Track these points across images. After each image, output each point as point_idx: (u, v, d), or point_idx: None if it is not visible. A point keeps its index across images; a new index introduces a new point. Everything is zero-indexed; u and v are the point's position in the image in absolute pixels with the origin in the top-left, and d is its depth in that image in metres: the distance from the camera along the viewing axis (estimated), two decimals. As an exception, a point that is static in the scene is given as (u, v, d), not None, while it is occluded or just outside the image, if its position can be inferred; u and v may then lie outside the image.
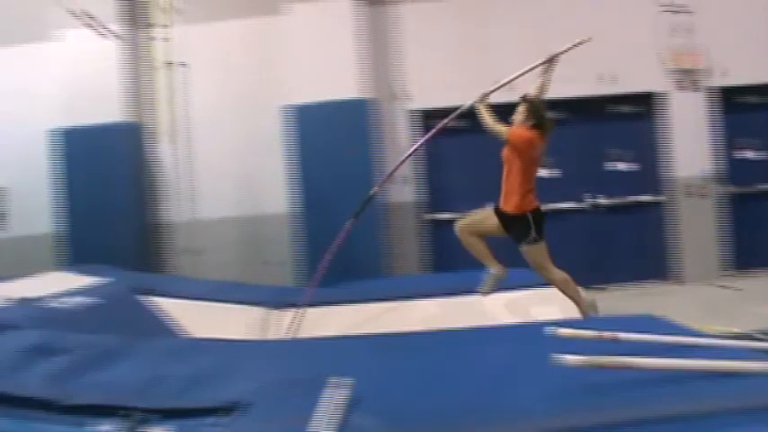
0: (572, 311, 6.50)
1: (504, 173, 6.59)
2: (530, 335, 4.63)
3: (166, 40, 9.46)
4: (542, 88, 6.72)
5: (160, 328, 6.55)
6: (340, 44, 10.03)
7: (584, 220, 10.78)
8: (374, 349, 4.72)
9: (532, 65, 6.82)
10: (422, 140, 7.05)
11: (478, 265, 6.92)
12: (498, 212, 6.61)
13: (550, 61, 6.72)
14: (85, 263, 9.02)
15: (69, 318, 5.65)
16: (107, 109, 10.21)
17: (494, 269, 6.76)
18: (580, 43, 6.66)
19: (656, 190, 10.84)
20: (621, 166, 10.93)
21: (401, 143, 10.35)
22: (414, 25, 10.60)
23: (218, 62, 10.66)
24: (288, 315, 7.33)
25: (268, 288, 8.76)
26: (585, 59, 10.34)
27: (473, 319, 6.26)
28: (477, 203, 10.53)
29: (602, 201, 10.79)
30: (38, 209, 10.64)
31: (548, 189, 10.62)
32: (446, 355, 4.41)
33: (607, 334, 4.02)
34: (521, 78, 6.85)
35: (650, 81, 10.65)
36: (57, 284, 7.06)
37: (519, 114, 6.57)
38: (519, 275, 7.57)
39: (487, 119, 6.64)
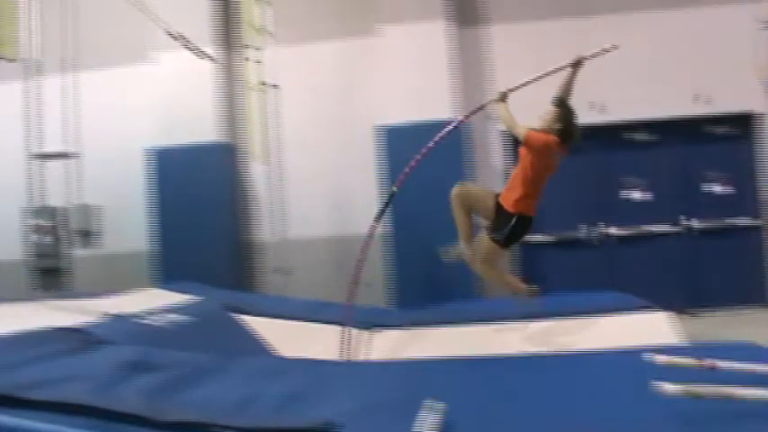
0: (671, 338, 6.29)
1: (515, 168, 6.51)
2: (626, 361, 4.49)
3: (259, 62, 9.55)
4: (566, 91, 6.49)
5: (254, 346, 6.56)
6: (432, 65, 10.01)
7: (678, 244, 10.50)
8: (467, 373, 4.63)
9: (558, 66, 6.60)
10: (438, 136, 6.83)
11: (570, 287, 6.80)
12: (488, 226, 6.52)
13: (577, 65, 6.48)
14: (178, 280, 9.14)
15: (164, 334, 5.70)
16: (202, 129, 10.40)
17: (463, 245, 6.68)
18: (609, 49, 6.44)
19: (753, 213, 10.49)
20: (717, 188, 10.62)
21: (493, 163, 10.27)
22: (504, 46, 10.50)
23: (310, 83, 10.74)
24: (378, 336, 7.29)
25: (359, 308, 8.73)
26: (681, 79, 10.19)
27: (567, 343, 6.13)
28: (565, 223, 10.49)
29: (697, 224, 10.49)
30: (131, 226, 10.87)
31: (641, 212, 10.43)
32: (539, 381, 4.29)
33: (706, 362, 3.87)
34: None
35: (748, 101, 10.32)
36: (151, 301, 7.15)
37: (548, 115, 6.38)
38: (615, 299, 7.41)
39: (507, 117, 6.47)
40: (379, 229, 9.95)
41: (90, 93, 11.34)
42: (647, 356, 3.97)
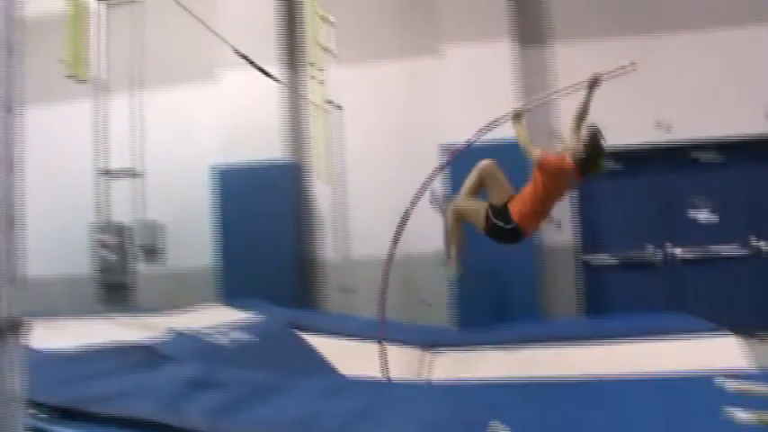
0: (740, 362, 6.14)
1: (528, 182, 6.39)
2: (696, 386, 4.39)
3: (322, 81, 9.60)
4: (582, 110, 6.34)
5: (317, 364, 6.56)
6: (496, 84, 9.94)
7: (747, 266, 10.23)
8: (531, 396, 4.56)
9: (574, 84, 6.51)
10: (445, 162, 6.76)
11: (634, 308, 6.67)
12: (492, 207, 6.42)
13: (594, 83, 6.36)
14: (241, 297, 9.21)
15: (227, 352, 5.73)
16: (266, 147, 10.47)
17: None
18: (627, 68, 6.31)
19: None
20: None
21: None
22: (569, 64, 10.39)
23: (374, 103, 10.75)
24: (440, 356, 7.25)
25: (421, 328, 8.70)
26: (751, 97, 9.97)
27: (633, 366, 6.01)
28: (629, 244, 10.33)
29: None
30: (196, 243, 10.98)
31: (708, 232, 10.21)
32: (606, 405, 4.21)
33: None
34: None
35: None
36: (215, 318, 7.21)
37: (575, 139, 6.23)
38: (682, 321, 7.27)
39: (523, 137, 6.36)
40: (440, 248, 9.95)
41: (156, 111, 11.55)
42: (718, 382, 3.88)
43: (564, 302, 10.14)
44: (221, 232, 10.45)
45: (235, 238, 10.33)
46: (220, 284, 10.34)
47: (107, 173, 11.55)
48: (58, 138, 11.61)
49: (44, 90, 10.60)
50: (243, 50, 6.69)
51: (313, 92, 9.62)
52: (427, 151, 10.08)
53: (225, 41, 7.02)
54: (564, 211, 10.12)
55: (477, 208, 6.55)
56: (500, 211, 6.39)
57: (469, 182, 6.71)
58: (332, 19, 9.74)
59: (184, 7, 6.25)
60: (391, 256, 7.02)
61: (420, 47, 10.70)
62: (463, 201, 6.74)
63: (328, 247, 10.75)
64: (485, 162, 6.63)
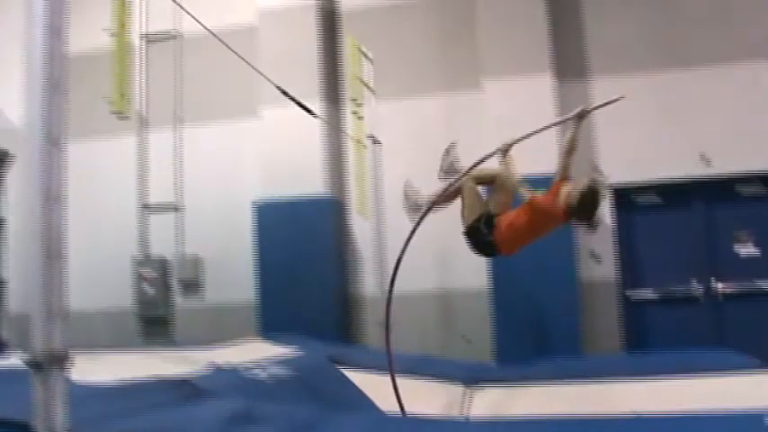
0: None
1: (520, 205, 6.15)
2: (743, 424, 4.30)
3: (362, 117, 9.63)
4: (571, 144, 6.14)
5: (357, 400, 6.52)
6: (536, 119, 9.84)
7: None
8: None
9: (561, 118, 6.42)
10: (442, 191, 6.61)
11: (677, 344, 6.55)
12: (487, 214, 6.24)
13: (581, 116, 6.19)
14: (281, 332, 9.20)
15: (268, 387, 5.71)
16: (306, 182, 10.50)
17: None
18: (614, 101, 6.19)
19: None
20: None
21: (602, 219, 10.09)
22: (607, 98, 10.34)
23: (413, 137, 10.75)
24: (480, 392, 7.19)
25: (464, 364, 8.64)
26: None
27: (678, 403, 5.92)
28: (671, 279, 10.19)
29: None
30: (235, 277, 11.02)
31: (752, 267, 10.04)
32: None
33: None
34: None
35: None
36: (255, 353, 7.21)
37: (570, 185, 6.04)
38: (726, 357, 7.15)
39: (512, 173, 6.15)
40: (481, 284, 9.90)
41: (197, 146, 11.66)
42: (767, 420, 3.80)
43: (605, 338, 10.01)
44: (261, 266, 10.47)
45: (274, 273, 10.35)
46: (260, 319, 10.35)
47: (148, 207, 11.66)
48: (99, 172, 11.76)
49: (86, 124, 10.77)
50: (283, 86, 6.72)
51: (353, 127, 9.66)
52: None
53: (266, 78, 7.07)
54: (605, 245, 10.05)
55: (478, 202, 6.36)
56: (489, 221, 6.25)
57: (486, 171, 6.54)
58: (371, 55, 9.79)
59: (226, 44, 6.31)
60: (390, 298, 6.96)
61: (460, 81, 10.72)
62: (471, 185, 6.49)
63: (367, 282, 10.73)
64: (507, 171, 6.44)
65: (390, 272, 10.00)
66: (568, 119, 6.31)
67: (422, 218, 6.57)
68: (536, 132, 6.29)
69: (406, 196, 6.79)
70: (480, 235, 6.26)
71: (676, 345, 9.60)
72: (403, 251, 6.77)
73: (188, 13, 6.18)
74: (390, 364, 6.36)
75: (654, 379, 6.93)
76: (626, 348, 10.01)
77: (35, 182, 2.61)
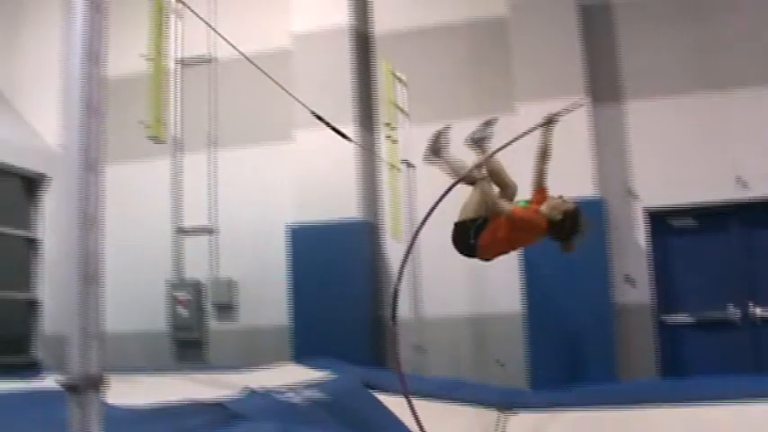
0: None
1: (499, 219, 6.11)
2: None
3: (395, 140, 9.65)
4: (544, 151, 6.30)
5: (391, 424, 6.49)
6: (571, 143, 9.85)
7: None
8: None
9: (529, 128, 6.43)
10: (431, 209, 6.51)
11: (715, 370, 6.44)
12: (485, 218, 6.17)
13: (548, 123, 6.28)
14: (315, 356, 9.20)
15: (301, 411, 5.70)
16: (340, 206, 10.51)
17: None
18: (577, 106, 6.20)
19: None
20: None
21: (637, 241, 10.02)
22: (642, 122, 10.29)
23: (447, 161, 10.75)
24: (514, 418, 7.13)
25: (498, 388, 8.59)
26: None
27: (714, 431, 5.84)
28: (707, 304, 10.06)
29: None
30: (269, 301, 11.03)
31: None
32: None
33: None
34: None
35: None
36: (288, 376, 7.21)
37: (554, 206, 6.11)
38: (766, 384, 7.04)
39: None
40: (516, 308, 9.84)
41: (231, 169, 11.73)
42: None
43: (640, 363, 9.89)
44: (295, 290, 10.48)
45: (308, 296, 10.35)
46: (293, 342, 10.35)
47: (183, 230, 11.73)
48: (134, 195, 11.87)
49: (121, 147, 10.86)
50: (317, 110, 6.76)
51: (387, 151, 9.68)
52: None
53: (300, 102, 7.11)
54: (640, 269, 9.97)
55: (483, 206, 6.25)
56: (481, 226, 6.21)
57: (504, 175, 6.52)
58: (404, 78, 9.80)
59: (260, 69, 6.36)
60: (394, 331, 7.08)
61: (493, 105, 10.67)
62: (487, 186, 6.36)
63: (401, 306, 10.71)
64: (515, 184, 6.46)
65: (425, 295, 10.01)
66: (538, 127, 6.44)
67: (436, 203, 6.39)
68: (505, 146, 6.30)
69: (435, 140, 6.66)
70: (467, 235, 6.26)
71: (713, 370, 9.50)
72: (405, 258, 6.70)
73: (223, 37, 6.26)
74: (404, 387, 6.32)
75: (690, 405, 6.85)
76: (661, 374, 9.89)
77: (72, 206, 2.63)
